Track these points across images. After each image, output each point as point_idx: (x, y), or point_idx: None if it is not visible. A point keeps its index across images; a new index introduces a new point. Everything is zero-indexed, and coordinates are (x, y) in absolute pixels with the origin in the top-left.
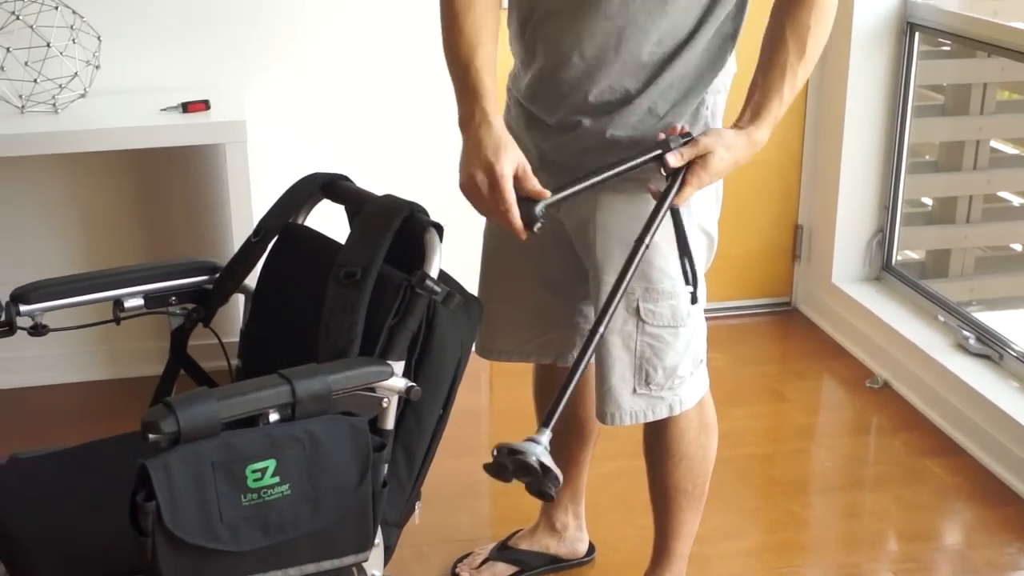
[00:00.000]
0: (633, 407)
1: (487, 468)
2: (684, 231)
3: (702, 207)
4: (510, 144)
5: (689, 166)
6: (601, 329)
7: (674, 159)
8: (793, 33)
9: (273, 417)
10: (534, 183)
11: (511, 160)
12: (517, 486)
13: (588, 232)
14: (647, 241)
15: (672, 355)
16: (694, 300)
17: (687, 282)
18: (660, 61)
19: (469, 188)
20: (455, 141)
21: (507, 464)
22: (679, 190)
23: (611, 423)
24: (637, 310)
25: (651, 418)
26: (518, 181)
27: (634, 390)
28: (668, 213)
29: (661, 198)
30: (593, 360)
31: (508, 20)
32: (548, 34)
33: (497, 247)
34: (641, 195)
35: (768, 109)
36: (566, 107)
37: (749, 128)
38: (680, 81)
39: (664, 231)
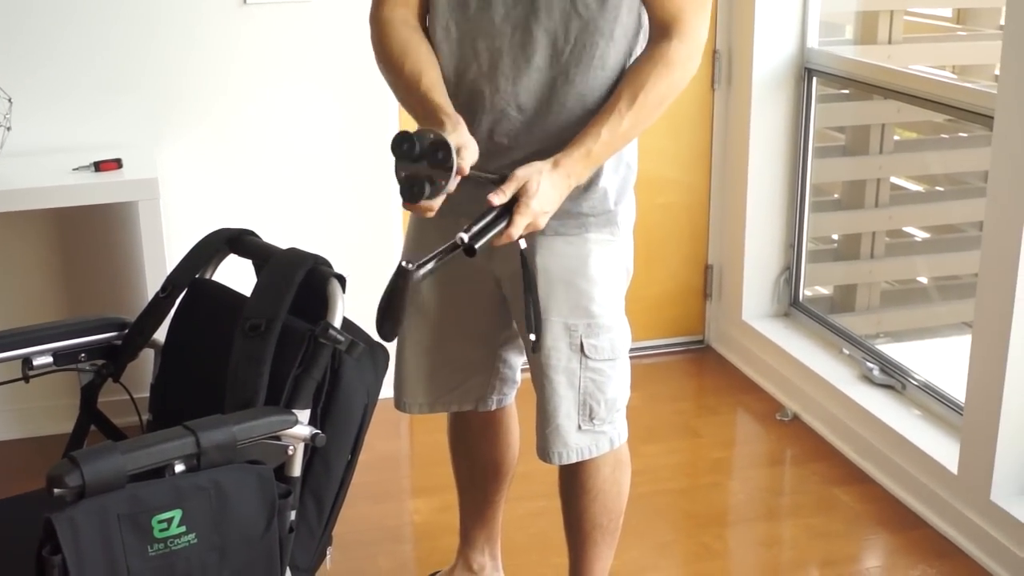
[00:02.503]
0: (579, 444)
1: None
2: (533, 276)
3: (626, 252)
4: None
5: (515, 201)
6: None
7: (497, 198)
8: (630, 82)
9: (179, 468)
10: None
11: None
12: (436, 529)
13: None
14: (465, 239)
15: (612, 388)
16: (535, 348)
17: (529, 328)
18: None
19: None
20: (358, 197)
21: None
22: (509, 224)
23: (558, 462)
24: (581, 346)
25: (595, 454)
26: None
27: (579, 427)
28: (521, 259)
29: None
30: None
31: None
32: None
33: (418, 304)
34: (579, 235)
35: (583, 143)
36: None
37: (561, 158)
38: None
39: (599, 265)
